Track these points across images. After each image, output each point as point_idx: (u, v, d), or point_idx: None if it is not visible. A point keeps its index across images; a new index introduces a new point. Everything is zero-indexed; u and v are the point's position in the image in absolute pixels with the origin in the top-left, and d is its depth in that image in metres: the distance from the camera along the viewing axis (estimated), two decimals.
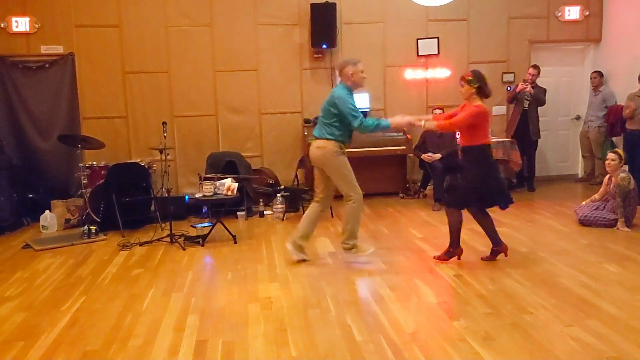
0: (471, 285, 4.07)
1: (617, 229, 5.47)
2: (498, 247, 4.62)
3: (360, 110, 4.62)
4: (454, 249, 4.62)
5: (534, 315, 3.48)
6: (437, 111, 6.73)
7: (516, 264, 4.51)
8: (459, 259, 4.62)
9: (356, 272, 4.48)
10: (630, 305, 3.59)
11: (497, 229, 5.64)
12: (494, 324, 3.37)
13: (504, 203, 4.51)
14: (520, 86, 7.47)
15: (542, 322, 3.38)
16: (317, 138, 4.61)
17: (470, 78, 4.36)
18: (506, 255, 4.62)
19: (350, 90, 4.58)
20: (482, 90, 4.38)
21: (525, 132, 7.55)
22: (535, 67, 7.57)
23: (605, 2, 8.14)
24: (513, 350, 3.03)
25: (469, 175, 4.50)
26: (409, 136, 7.34)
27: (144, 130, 7.36)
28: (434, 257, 4.66)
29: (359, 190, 4.60)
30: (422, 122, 4.49)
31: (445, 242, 4.68)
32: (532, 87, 7.45)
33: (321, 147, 4.54)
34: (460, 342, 3.14)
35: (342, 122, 4.49)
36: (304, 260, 4.74)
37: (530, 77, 7.49)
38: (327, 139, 4.52)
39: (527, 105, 7.50)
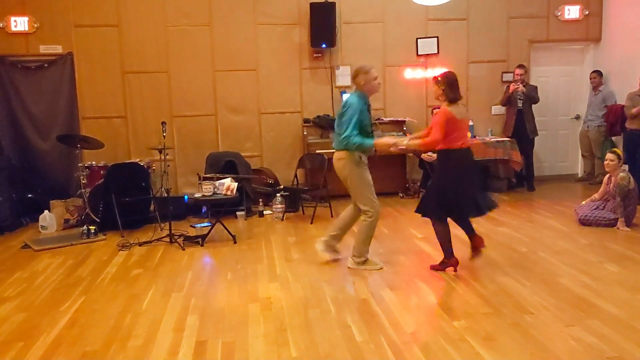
0: (471, 285, 4.06)
1: (618, 228, 5.47)
2: (449, 260, 4.38)
3: None
4: (448, 259, 4.40)
5: (534, 315, 3.47)
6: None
7: (516, 264, 4.51)
8: (455, 270, 4.37)
9: (356, 272, 4.47)
10: (630, 305, 3.59)
11: (497, 229, 5.69)
12: (494, 324, 3.36)
13: (476, 212, 4.30)
14: (512, 87, 7.54)
15: (542, 322, 3.37)
16: (337, 150, 4.47)
17: (439, 79, 4.30)
18: (455, 270, 4.36)
19: (365, 97, 4.45)
20: (448, 93, 4.24)
21: (522, 131, 7.58)
22: (521, 66, 7.63)
23: (605, 2, 8.14)
24: (514, 351, 3.02)
25: (440, 182, 4.32)
26: (408, 135, 7.33)
27: (144, 130, 7.35)
28: (430, 267, 4.46)
29: (377, 205, 4.45)
30: (405, 142, 4.27)
31: None
32: (523, 86, 7.48)
33: (342, 159, 4.41)
34: (460, 342, 3.13)
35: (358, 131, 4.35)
36: (336, 260, 4.70)
37: (519, 77, 7.55)
38: (345, 149, 4.38)
39: (521, 105, 7.56)
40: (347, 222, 4.66)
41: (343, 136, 4.31)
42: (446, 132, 4.15)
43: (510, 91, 7.58)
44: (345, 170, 4.41)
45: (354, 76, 4.48)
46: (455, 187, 4.20)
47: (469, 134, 7.67)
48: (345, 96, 7.39)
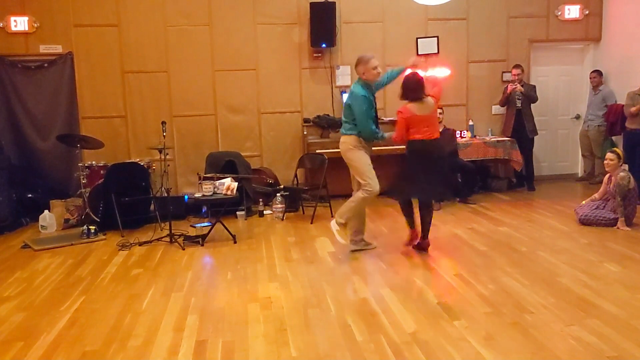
0: (471, 284, 4.06)
1: (618, 228, 5.47)
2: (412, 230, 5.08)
3: None
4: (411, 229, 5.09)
5: (534, 314, 3.47)
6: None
7: (516, 263, 4.50)
8: (410, 242, 5.02)
9: (356, 271, 4.48)
10: (630, 305, 3.59)
11: (497, 228, 5.69)
12: (494, 323, 3.36)
13: (421, 197, 4.93)
14: (510, 87, 7.55)
15: (542, 321, 3.37)
16: (342, 135, 4.88)
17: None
18: (411, 243, 5.05)
19: (369, 87, 4.87)
20: (402, 94, 4.95)
21: (521, 131, 7.58)
22: (518, 66, 7.64)
23: (605, 1, 8.13)
24: (514, 350, 3.02)
25: (402, 167, 5.15)
26: None
27: (143, 129, 7.35)
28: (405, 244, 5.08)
29: (376, 184, 4.73)
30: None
31: (445, 241, 4.68)
32: (521, 86, 7.49)
33: (345, 142, 4.81)
34: (460, 341, 3.13)
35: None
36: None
37: (516, 77, 7.56)
38: (349, 134, 4.78)
39: (519, 104, 7.56)
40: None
41: (362, 121, 4.68)
42: (407, 127, 4.79)
43: (508, 91, 7.58)
44: (346, 151, 4.81)
45: (356, 65, 4.87)
46: (409, 172, 4.87)
47: (468, 134, 7.78)
48: (345, 96, 7.41)
